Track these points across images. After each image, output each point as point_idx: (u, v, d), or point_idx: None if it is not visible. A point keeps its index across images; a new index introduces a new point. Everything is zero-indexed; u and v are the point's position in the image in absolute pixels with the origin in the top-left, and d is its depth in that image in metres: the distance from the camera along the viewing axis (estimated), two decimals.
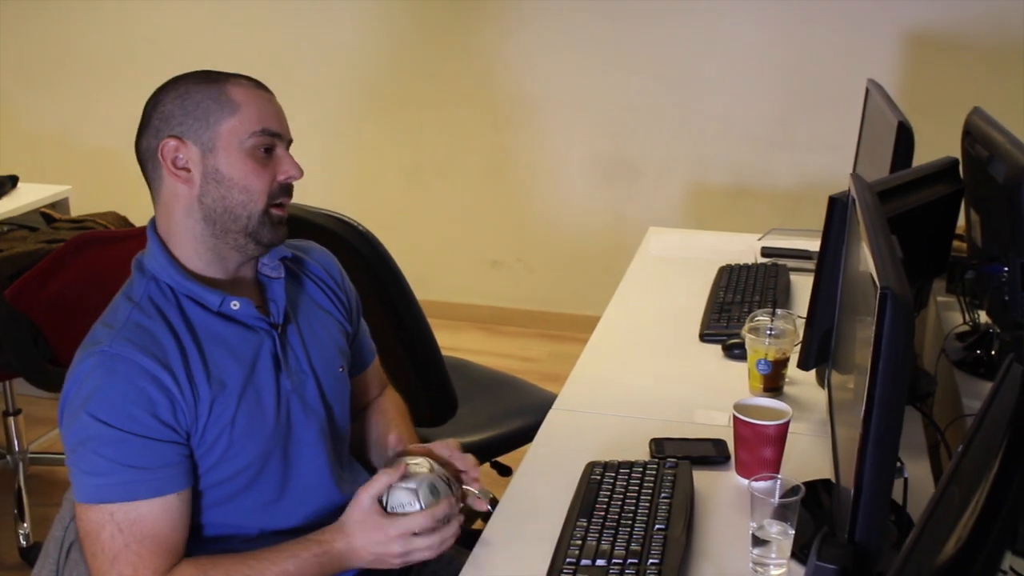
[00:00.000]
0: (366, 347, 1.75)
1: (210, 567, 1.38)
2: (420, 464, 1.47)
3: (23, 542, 2.83)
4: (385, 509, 1.43)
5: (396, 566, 1.44)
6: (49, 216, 3.11)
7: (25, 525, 2.85)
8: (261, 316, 1.49)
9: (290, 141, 1.49)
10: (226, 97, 1.42)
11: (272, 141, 1.45)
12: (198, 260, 1.46)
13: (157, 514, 1.36)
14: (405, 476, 1.44)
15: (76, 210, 3.38)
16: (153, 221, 1.49)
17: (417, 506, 1.43)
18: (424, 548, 1.42)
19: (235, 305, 1.45)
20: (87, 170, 4.55)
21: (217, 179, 1.42)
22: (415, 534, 1.41)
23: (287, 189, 1.48)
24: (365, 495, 1.42)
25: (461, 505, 1.50)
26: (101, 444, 1.34)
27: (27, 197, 3.33)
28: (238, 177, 1.42)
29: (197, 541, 1.47)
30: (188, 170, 1.42)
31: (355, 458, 1.69)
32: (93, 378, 1.35)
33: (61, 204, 3.41)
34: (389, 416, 1.75)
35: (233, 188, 1.42)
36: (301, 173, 1.47)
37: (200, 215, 1.44)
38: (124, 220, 3.02)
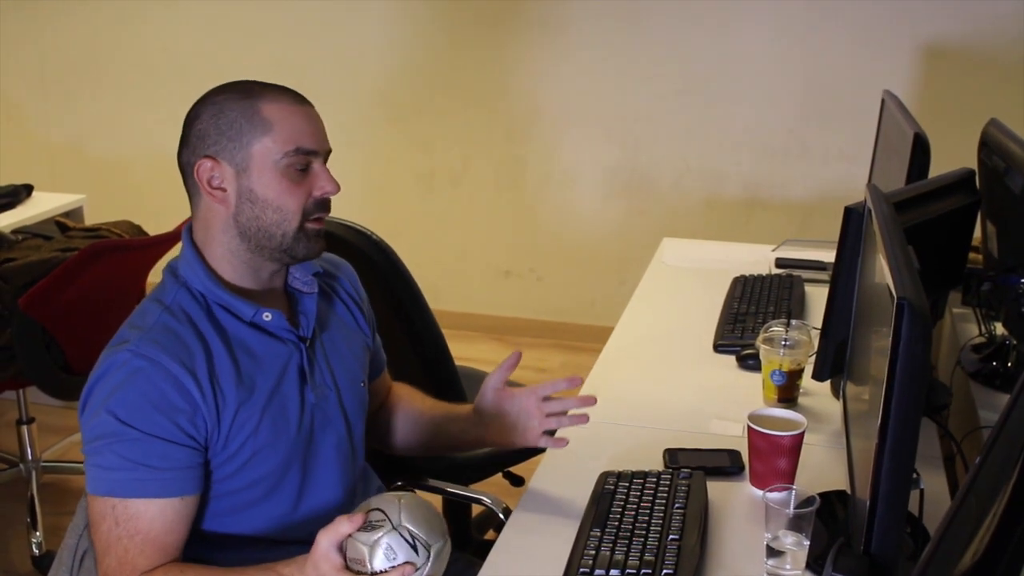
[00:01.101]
0: (379, 358, 1.77)
1: (189, 572, 1.39)
2: (381, 515, 1.28)
3: (36, 551, 2.83)
4: (345, 556, 1.28)
5: None
6: (63, 225, 3.11)
7: (38, 534, 2.85)
8: (291, 328, 1.50)
9: (328, 152, 1.48)
10: (259, 116, 1.41)
11: (307, 159, 1.44)
12: (232, 271, 1.47)
13: (155, 514, 1.37)
14: (364, 527, 1.27)
15: (90, 219, 3.38)
16: (190, 227, 1.50)
17: (367, 567, 1.25)
18: None
19: (267, 317, 1.46)
20: (102, 179, 4.56)
21: (251, 199, 1.42)
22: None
23: (324, 204, 1.47)
24: (324, 540, 1.27)
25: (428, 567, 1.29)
26: (118, 442, 1.35)
27: (42, 206, 3.34)
28: (272, 197, 1.42)
29: (210, 548, 1.47)
30: (224, 190, 1.43)
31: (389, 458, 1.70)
32: (117, 377, 1.36)
33: (75, 213, 3.42)
34: (417, 394, 1.82)
35: (267, 208, 1.43)
36: (337, 188, 1.46)
37: (236, 232, 1.44)
38: (138, 229, 3.02)
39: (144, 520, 1.36)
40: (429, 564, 1.28)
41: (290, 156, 1.42)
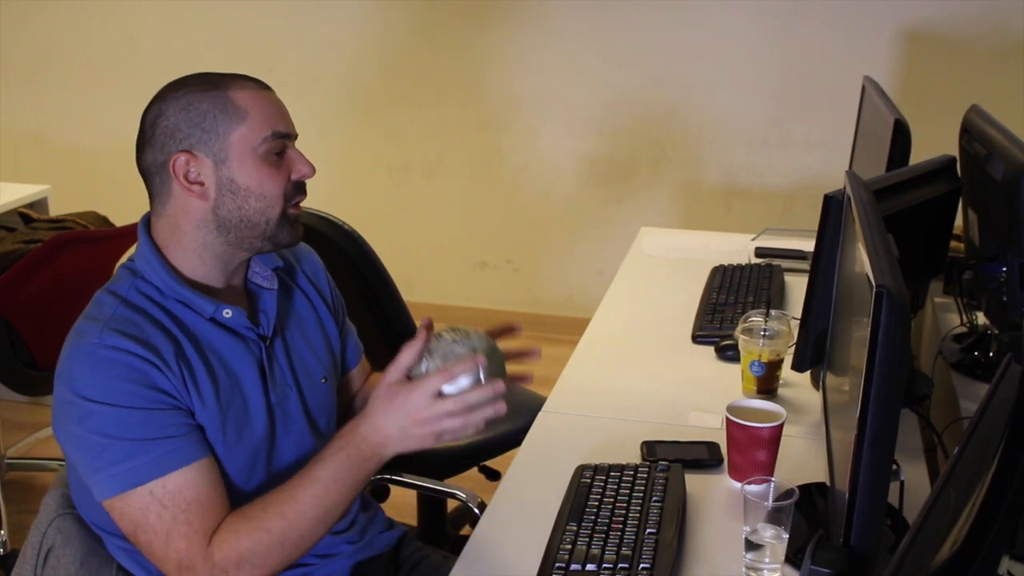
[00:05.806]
0: (354, 347, 1.74)
1: (247, 508, 1.38)
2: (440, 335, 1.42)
3: (0, 549, 2.79)
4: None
5: (429, 444, 1.39)
6: (27, 216, 3.08)
7: (2, 532, 2.81)
8: (251, 326, 1.47)
9: (296, 136, 1.47)
10: (232, 105, 1.39)
11: (283, 143, 1.43)
12: (200, 267, 1.44)
13: (196, 479, 1.35)
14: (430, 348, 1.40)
15: (55, 210, 3.34)
16: (146, 221, 1.46)
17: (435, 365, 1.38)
18: (455, 423, 1.36)
19: (228, 313, 1.44)
20: (66, 169, 4.50)
21: (233, 189, 1.40)
22: (441, 394, 1.36)
23: (302, 187, 1.47)
24: (391, 372, 1.38)
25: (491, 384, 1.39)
26: (120, 428, 1.32)
27: (5, 197, 3.28)
28: (253, 185, 1.41)
29: None
30: (202, 183, 1.40)
31: None
32: (87, 372, 1.33)
33: (40, 204, 3.36)
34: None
35: (249, 196, 1.41)
36: (314, 170, 1.45)
37: (214, 226, 1.42)
38: (104, 220, 2.99)
39: (191, 488, 1.34)
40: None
41: (268, 141, 1.41)
